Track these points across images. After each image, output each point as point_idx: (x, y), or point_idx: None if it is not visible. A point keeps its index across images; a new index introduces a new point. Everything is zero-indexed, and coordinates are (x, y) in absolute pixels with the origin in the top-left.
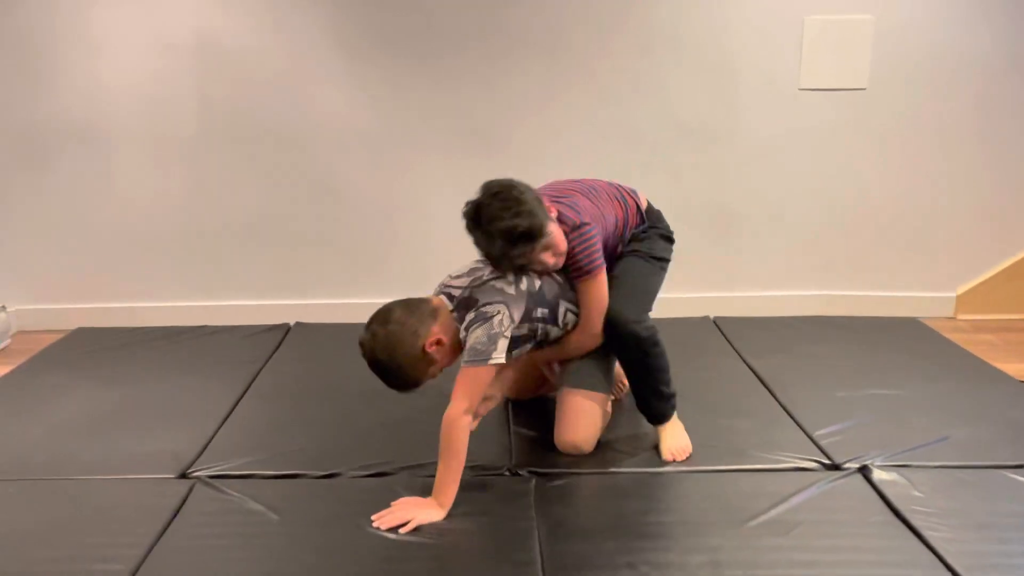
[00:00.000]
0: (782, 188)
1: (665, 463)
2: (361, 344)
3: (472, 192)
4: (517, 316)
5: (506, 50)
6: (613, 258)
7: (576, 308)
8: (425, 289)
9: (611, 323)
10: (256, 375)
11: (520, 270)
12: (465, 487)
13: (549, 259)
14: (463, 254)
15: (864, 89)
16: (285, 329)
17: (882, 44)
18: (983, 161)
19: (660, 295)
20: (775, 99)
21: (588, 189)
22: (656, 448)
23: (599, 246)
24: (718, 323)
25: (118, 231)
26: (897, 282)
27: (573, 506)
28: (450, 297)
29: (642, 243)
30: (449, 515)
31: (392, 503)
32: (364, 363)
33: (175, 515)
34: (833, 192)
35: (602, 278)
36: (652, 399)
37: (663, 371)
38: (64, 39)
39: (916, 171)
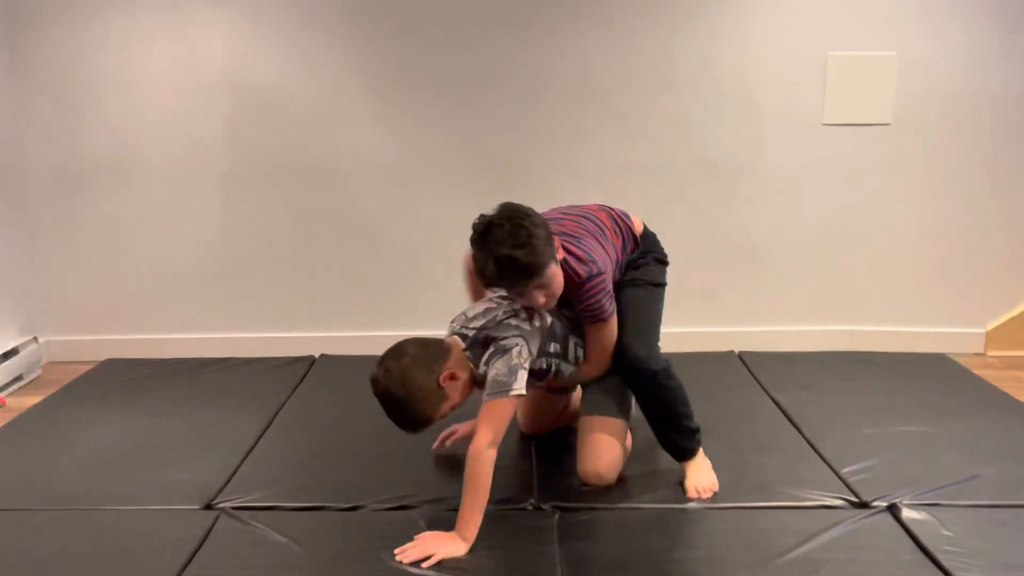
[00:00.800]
0: (807, 222)
1: (690, 499)
2: (374, 380)
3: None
4: (534, 349)
5: (532, 88)
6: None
7: (583, 343)
8: (449, 320)
9: (623, 361)
10: (281, 407)
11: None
12: (488, 521)
13: (540, 298)
14: None
15: (888, 124)
16: (310, 361)
17: (906, 79)
18: (1012, 196)
19: (684, 329)
20: (799, 134)
21: (596, 228)
22: (681, 484)
23: (611, 291)
24: (743, 358)
25: (148, 264)
26: (925, 317)
27: (596, 541)
28: (464, 337)
29: (639, 270)
30: (471, 549)
31: (415, 537)
32: None
33: (200, 546)
34: (858, 227)
35: (613, 321)
36: (672, 435)
37: (682, 404)
38: (102, 78)
39: (943, 205)
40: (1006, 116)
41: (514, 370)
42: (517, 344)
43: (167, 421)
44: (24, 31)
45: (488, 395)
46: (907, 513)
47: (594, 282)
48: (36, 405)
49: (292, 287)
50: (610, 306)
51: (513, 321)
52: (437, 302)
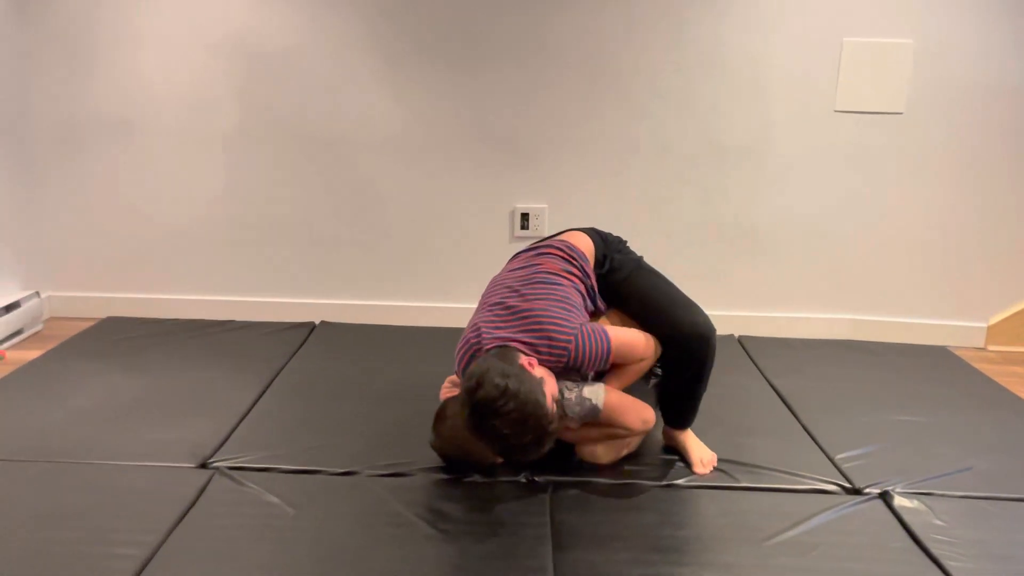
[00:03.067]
0: (813, 209)
1: (686, 476)
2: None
3: (501, 199)
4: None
5: (543, 63)
6: (600, 301)
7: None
8: (451, 293)
9: (680, 336)
10: (279, 372)
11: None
12: (481, 492)
13: (571, 427)
14: (490, 262)
15: (901, 113)
16: (310, 327)
17: (921, 68)
18: (1021, 192)
19: None
20: (810, 120)
21: (551, 291)
22: (680, 462)
23: (593, 336)
24: (743, 342)
25: (152, 224)
26: (927, 309)
27: (588, 515)
28: None
29: (621, 268)
30: (463, 518)
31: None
32: (386, 364)
33: (193, 504)
34: (865, 215)
35: (617, 338)
36: (688, 402)
37: (708, 376)
38: (107, 35)
39: (951, 197)
40: (1021, 110)
41: (578, 401)
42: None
43: (165, 380)
44: None
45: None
46: (899, 501)
47: (578, 353)
48: (36, 359)
49: (294, 253)
50: (605, 342)
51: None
52: (439, 273)
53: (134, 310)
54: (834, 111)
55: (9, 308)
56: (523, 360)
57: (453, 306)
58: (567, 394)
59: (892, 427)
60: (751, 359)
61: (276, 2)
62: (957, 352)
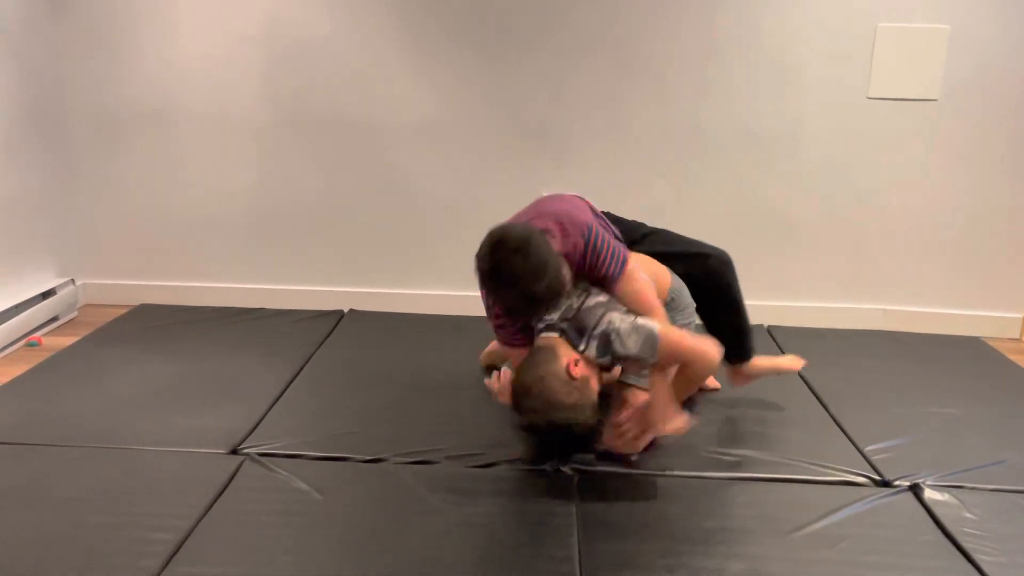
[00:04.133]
0: (845, 197)
1: (714, 467)
2: (532, 427)
3: (531, 187)
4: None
5: (573, 49)
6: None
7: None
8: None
9: (697, 265)
10: (308, 359)
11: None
12: (508, 481)
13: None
14: None
15: (935, 100)
16: (339, 315)
17: (956, 55)
18: None
19: None
20: (842, 107)
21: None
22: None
23: (612, 239)
24: (772, 332)
25: (185, 212)
26: (960, 300)
27: (615, 505)
28: (558, 331)
29: (633, 236)
30: (490, 506)
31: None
32: (413, 352)
33: (224, 489)
34: (897, 204)
35: (635, 274)
36: (741, 324)
37: (743, 300)
38: (140, 26)
39: (985, 186)
40: None
41: (633, 328)
42: (610, 320)
43: (197, 367)
44: None
45: (644, 357)
46: (929, 494)
47: (591, 239)
48: (71, 346)
49: (323, 241)
50: (622, 250)
51: (590, 301)
52: (468, 261)
53: (167, 297)
54: (867, 98)
55: (45, 295)
56: (565, 358)
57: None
58: (618, 323)
59: (923, 419)
60: (780, 349)
61: None
62: (991, 343)
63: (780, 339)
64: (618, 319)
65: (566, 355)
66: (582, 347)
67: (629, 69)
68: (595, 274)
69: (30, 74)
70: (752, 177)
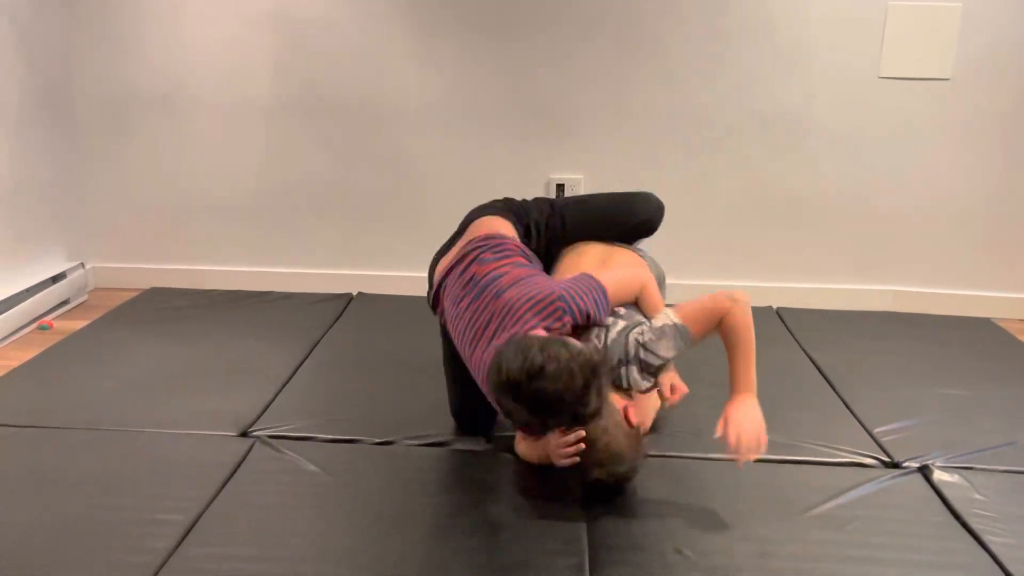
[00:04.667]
0: (855, 178)
1: (721, 448)
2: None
3: (540, 169)
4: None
5: (580, 31)
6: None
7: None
8: None
9: (641, 219)
10: (317, 342)
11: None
12: (517, 463)
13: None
14: None
15: (948, 80)
16: (347, 299)
17: (969, 33)
18: None
19: (723, 283)
20: (853, 87)
21: (519, 264)
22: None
23: (574, 284)
24: (781, 314)
25: (193, 196)
26: (971, 280)
27: (623, 487)
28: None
29: (551, 220)
30: (499, 488)
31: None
32: (422, 335)
33: (234, 471)
34: (908, 185)
35: (611, 289)
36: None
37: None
38: (147, 10)
39: (997, 166)
40: None
41: (656, 335)
42: (634, 340)
43: (207, 350)
44: None
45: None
46: (938, 475)
47: (572, 297)
48: (81, 329)
49: (332, 224)
50: (597, 290)
51: (612, 334)
52: None
53: (176, 281)
54: (878, 77)
55: (55, 279)
56: (620, 405)
57: None
58: (641, 338)
59: (933, 400)
60: (789, 331)
61: None
62: (1002, 324)
63: (789, 321)
64: (636, 334)
65: (619, 402)
66: (626, 384)
67: (636, 52)
68: (592, 321)
69: (40, 59)
70: (761, 158)
